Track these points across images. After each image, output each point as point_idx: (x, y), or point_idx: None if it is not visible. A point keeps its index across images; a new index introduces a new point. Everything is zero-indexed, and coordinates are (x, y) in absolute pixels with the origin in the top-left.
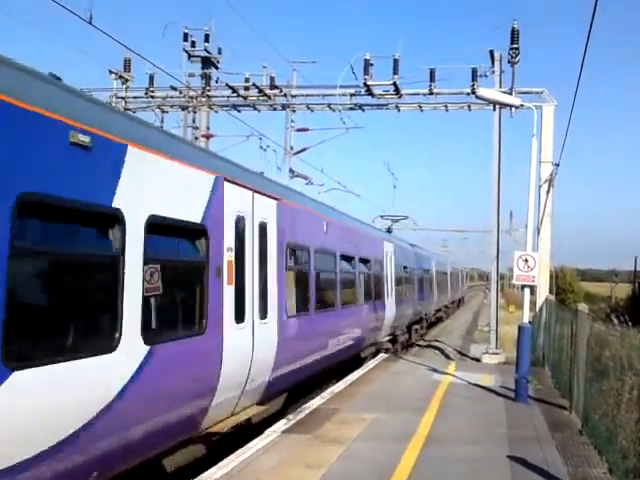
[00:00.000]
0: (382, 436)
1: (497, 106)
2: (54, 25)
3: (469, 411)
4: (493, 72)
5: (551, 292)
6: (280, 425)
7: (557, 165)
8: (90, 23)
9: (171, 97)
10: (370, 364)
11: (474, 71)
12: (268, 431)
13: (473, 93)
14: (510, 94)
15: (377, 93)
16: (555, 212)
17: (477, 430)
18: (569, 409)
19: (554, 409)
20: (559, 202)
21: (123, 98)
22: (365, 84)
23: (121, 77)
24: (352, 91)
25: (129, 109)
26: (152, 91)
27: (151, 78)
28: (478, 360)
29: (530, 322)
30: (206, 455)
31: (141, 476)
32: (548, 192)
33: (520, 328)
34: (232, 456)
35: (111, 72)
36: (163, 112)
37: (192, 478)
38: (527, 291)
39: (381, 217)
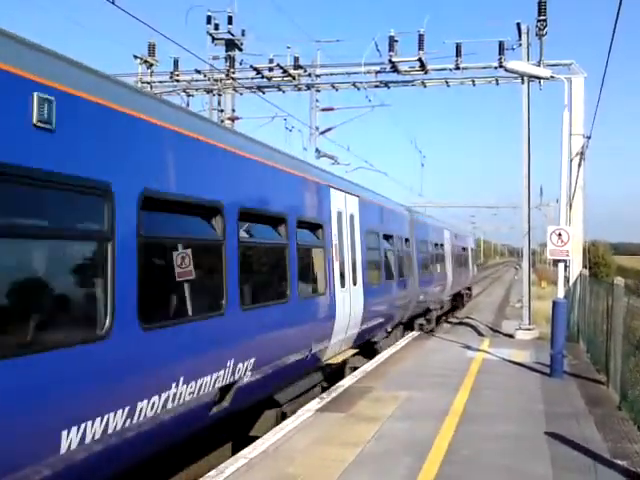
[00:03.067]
0: (416, 414)
1: (526, 79)
2: (75, 8)
3: (504, 387)
4: (520, 45)
5: (584, 266)
6: (314, 404)
7: (588, 138)
8: (113, 3)
9: (196, 80)
10: (402, 342)
11: (501, 45)
12: (302, 410)
13: (501, 67)
14: (538, 67)
15: (403, 70)
16: (587, 186)
17: (513, 407)
18: (606, 384)
19: (591, 384)
20: (591, 175)
21: (149, 82)
22: (390, 61)
23: (146, 62)
24: (377, 68)
25: (155, 93)
26: (177, 75)
27: (176, 62)
28: (511, 336)
29: (564, 297)
30: None
31: None
32: (580, 165)
33: (555, 303)
34: (267, 435)
35: (136, 57)
36: (188, 96)
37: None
38: (561, 266)
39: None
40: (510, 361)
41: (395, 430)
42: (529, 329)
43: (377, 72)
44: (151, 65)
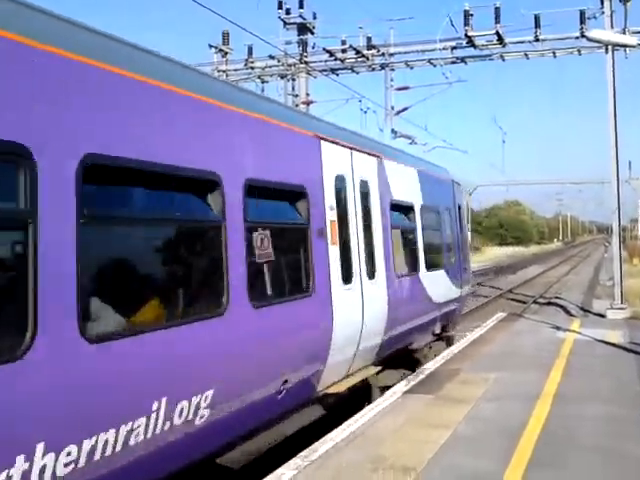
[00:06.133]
0: (507, 396)
1: (610, 48)
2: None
3: (598, 368)
4: (603, 13)
5: None
6: (401, 386)
7: None
8: None
9: (270, 66)
10: (490, 323)
11: (582, 13)
12: (389, 392)
13: (582, 36)
14: (623, 35)
15: (479, 44)
16: None
17: (608, 388)
18: None
19: None
20: None
21: (224, 71)
22: (466, 35)
23: (221, 50)
24: (453, 44)
25: (231, 81)
26: (251, 62)
27: (250, 49)
28: (602, 316)
29: None
30: None
31: None
32: None
33: None
34: (354, 418)
35: (211, 46)
36: (263, 82)
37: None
38: None
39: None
40: (602, 341)
41: (486, 412)
42: (621, 308)
43: (453, 48)
44: (226, 53)
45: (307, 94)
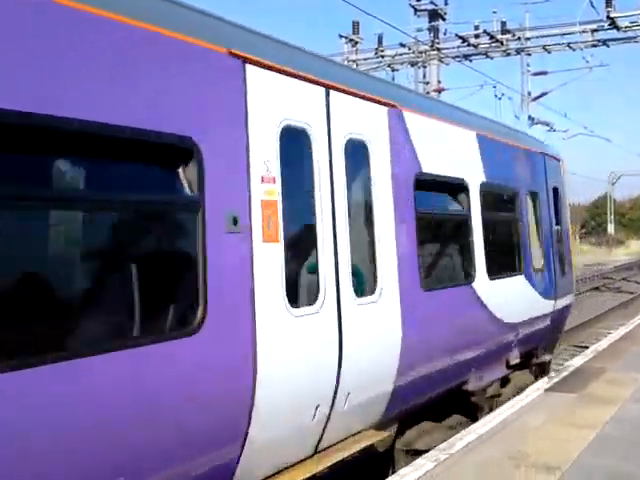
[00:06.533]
0: None
1: None
2: None
3: None
4: None
5: None
6: (542, 383)
7: None
8: None
9: (400, 55)
10: (636, 320)
11: None
12: (529, 389)
13: None
14: None
15: (623, 26)
16: None
17: None
18: None
19: None
20: None
21: (354, 60)
22: (608, 17)
23: (351, 40)
24: (594, 27)
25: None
26: (382, 50)
27: (380, 38)
28: None
29: None
30: None
31: None
32: None
33: None
34: (494, 413)
35: (341, 36)
36: (393, 70)
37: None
38: None
39: None
40: None
41: (635, 412)
42: None
43: (594, 30)
44: (356, 43)
45: (438, 81)
